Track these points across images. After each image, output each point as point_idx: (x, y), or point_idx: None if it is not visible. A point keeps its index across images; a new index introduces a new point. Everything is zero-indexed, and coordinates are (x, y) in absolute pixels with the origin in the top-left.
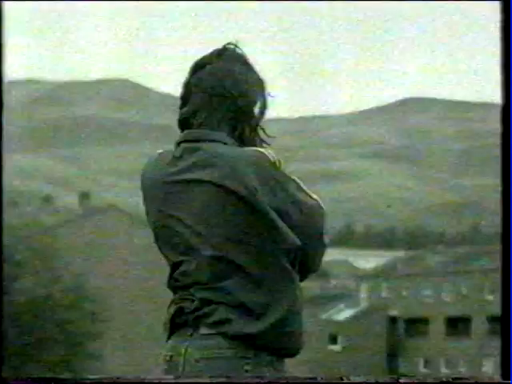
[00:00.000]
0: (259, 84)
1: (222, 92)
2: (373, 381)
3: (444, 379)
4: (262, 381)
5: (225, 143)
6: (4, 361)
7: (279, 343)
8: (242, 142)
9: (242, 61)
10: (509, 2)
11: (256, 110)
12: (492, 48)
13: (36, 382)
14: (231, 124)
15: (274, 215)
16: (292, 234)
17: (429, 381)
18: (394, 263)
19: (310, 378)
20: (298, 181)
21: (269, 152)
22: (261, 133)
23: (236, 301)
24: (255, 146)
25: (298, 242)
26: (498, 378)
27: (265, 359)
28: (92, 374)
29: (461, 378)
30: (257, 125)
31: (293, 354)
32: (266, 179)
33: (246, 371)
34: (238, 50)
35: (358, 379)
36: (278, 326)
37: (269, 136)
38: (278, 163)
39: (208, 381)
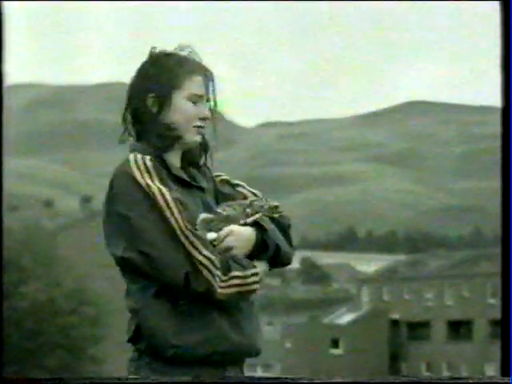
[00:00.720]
0: (167, 84)
1: (125, 101)
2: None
3: (440, 380)
4: (251, 381)
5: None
6: (6, 365)
7: (147, 348)
8: (156, 147)
9: (153, 64)
10: (509, 2)
11: (153, 112)
12: (493, 51)
13: (35, 383)
14: (137, 131)
15: (105, 225)
16: (114, 245)
17: (429, 381)
18: (396, 267)
19: (297, 378)
20: (156, 203)
21: (139, 157)
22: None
23: (129, 307)
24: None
25: (118, 254)
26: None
27: (144, 360)
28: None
29: (459, 378)
30: (156, 128)
31: (173, 360)
32: (110, 194)
33: (130, 372)
34: (152, 53)
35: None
36: (140, 332)
37: (171, 137)
38: (143, 173)
39: (209, 381)
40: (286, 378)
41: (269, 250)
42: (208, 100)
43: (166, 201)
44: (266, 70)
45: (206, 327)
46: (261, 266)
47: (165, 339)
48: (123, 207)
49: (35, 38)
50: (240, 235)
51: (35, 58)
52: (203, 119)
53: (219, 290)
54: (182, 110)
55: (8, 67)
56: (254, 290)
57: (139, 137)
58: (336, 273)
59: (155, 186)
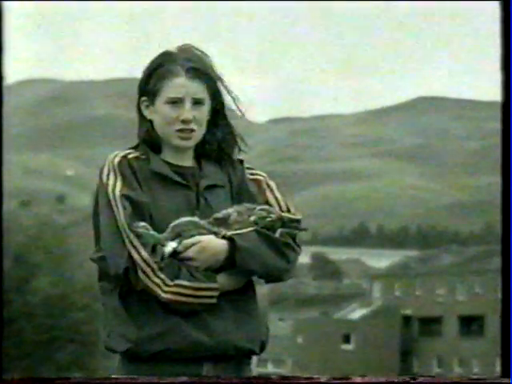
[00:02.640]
0: (152, 88)
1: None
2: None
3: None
4: (241, 381)
5: None
6: (18, 360)
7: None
8: None
9: (147, 67)
10: (509, 2)
11: (144, 115)
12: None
13: (34, 382)
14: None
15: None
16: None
17: (430, 381)
18: (408, 262)
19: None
20: (121, 208)
21: (112, 157)
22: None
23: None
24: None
25: (93, 257)
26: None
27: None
28: (105, 373)
29: (460, 378)
30: (144, 130)
31: (131, 356)
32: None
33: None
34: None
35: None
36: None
37: (153, 141)
38: (109, 171)
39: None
40: (283, 378)
41: (236, 267)
42: (197, 102)
43: (114, 196)
44: (276, 65)
45: (161, 323)
46: (221, 281)
47: (121, 334)
48: (95, 210)
49: (46, 33)
50: (206, 248)
51: (46, 53)
52: (185, 122)
53: (162, 294)
54: (161, 114)
55: (19, 63)
56: (206, 304)
57: (139, 134)
58: (348, 268)
59: (110, 182)
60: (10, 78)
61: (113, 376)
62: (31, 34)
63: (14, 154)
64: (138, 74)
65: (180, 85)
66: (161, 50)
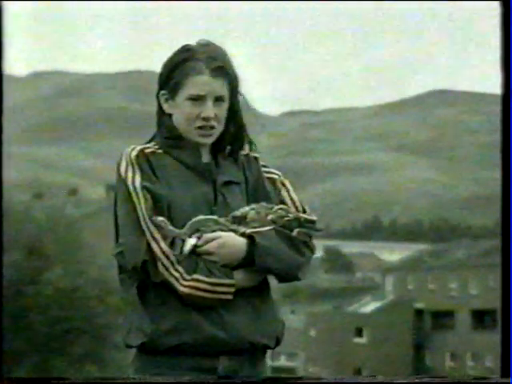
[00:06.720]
0: (174, 83)
1: None
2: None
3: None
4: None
5: None
6: (30, 352)
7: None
8: None
9: (169, 60)
10: (509, 2)
11: (163, 109)
12: None
13: (35, 383)
14: (157, 123)
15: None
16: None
17: (430, 381)
18: (420, 256)
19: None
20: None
21: (129, 150)
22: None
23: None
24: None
25: (114, 252)
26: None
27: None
28: (118, 366)
29: (462, 378)
30: (163, 125)
31: (147, 349)
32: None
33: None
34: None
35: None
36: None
37: (172, 138)
38: (127, 165)
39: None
40: (288, 378)
41: (255, 265)
42: (218, 99)
43: (135, 189)
44: (290, 59)
45: (177, 317)
46: (238, 277)
47: (138, 327)
48: (114, 204)
49: (58, 26)
50: (226, 244)
51: (58, 46)
52: (206, 119)
53: (179, 288)
54: (182, 110)
55: (31, 56)
56: (222, 300)
57: (158, 128)
58: (360, 262)
59: (129, 175)
60: (22, 70)
61: (111, 376)
62: (43, 25)
63: (27, 147)
64: (151, 67)
65: (203, 82)
66: (171, 44)
